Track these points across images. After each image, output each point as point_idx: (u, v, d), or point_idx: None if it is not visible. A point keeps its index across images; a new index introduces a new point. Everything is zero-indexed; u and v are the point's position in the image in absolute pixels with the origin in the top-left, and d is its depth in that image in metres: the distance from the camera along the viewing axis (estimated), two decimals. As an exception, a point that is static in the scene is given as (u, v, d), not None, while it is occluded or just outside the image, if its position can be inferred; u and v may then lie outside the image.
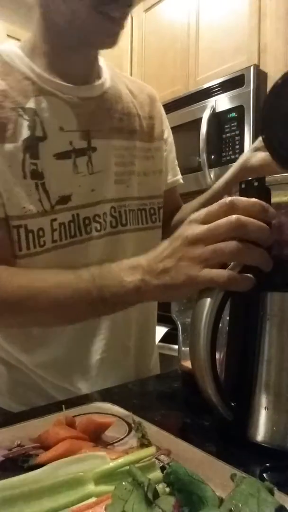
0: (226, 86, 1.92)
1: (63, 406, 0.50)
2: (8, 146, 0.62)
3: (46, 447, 0.41)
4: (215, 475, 0.36)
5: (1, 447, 0.41)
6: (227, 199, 0.45)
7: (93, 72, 0.73)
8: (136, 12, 2.43)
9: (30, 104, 0.64)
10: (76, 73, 0.69)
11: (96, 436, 0.44)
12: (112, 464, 0.34)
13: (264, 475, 0.38)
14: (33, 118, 0.64)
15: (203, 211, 0.47)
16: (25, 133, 0.63)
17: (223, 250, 0.44)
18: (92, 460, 0.36)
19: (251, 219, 0.43)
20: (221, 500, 0.31)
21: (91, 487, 0.33)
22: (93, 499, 0.32)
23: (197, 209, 0.47)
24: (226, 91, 1.92)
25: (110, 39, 0.64)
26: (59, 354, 0.71)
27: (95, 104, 0.71)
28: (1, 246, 0.63)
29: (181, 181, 0.90)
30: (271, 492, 0.31)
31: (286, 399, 0.44)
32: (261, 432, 0.44)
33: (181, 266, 0.47)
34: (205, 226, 0.46)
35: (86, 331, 0.72)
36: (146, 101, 0.81)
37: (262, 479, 0.32)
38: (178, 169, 0.89)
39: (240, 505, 0.29)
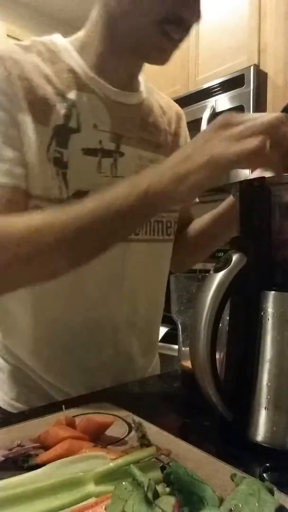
0: (226, 86, 1.92)
1: (63, 406, 0.50)
2: (42, 128, 0.63)
3: (46, 447, 0.41)
4: (215, 475, 0.37)
5: (1, 447, 0.41)
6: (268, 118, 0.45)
7: (135, 81, 0.75)
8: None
9: (71, 95, 0.66)
10: (120, 79, 0.70)
11: (96, 436, 0.44)
12: (112, 464, 0.34)
13: (264, 475, 0.38)
14: (70, 109, 0.65)
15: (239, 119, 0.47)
16: (58, 120, 0.64)
17: (257, 124, 0.45)
18: (92, 460, 0.36)
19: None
20: (221, 500, 0.31)
21: (91, 487, 0.33)
22: (93, 499, 0.32)
23: (208, 224, 0.46)
24: (226, 91, 1.92)
25: (163, 56, 0.66)
26: (62, 357, 0.71)
27: (130, 112, 0.73)
28: (12, 210, 0.60)
29: (197, 199, 0.90)
30: (271, 492, 0.31)
31: (286, 399, 0.44)
32: (261, 432, 0.44)
33: (205, 148, 0.47)
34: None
35: (89, 336, 0.72)
36: (173, 118, 0.83)
37: (262, 479, 0.32)
38: None
39: (240, 505, 0.29)
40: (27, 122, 0.61)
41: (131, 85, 0.74)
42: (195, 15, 0.61)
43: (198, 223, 0.89)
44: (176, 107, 0.87)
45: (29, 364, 0.72)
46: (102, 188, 0.62)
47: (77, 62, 0.68)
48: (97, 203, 0.53)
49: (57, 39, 0.70)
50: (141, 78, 0.78)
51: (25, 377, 0.73)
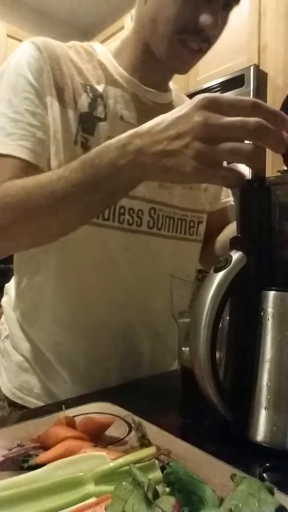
0: (226, 86, 1.92)
1: (63, 406, 0.50)
2: (70, 112, 0.66)
3: (46, 447, 0.41)
4: (215, 475, 0.37)
5: (1, 447, 0.41)
6: (250, 100, 0.44)
7: (165, 83, 0.78)
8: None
9: (100, 88, 0.69)
10: (151, 80, 0.73)
11: (96, 436, 0.44)
12: (112, 464, 0.34)
13: (264, 475, 0.38)
14: (96, 99, 0.68)
15: (221, 100, 0.45)
16: (85, 107, 0.67)
17: (247, 123, 0.43)
18: (92, 460, 0.36)
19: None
20: (221, 500, 0.31)
21: (91, 487, 0.33)
22: (93, 499, 0.32)
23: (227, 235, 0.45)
24: (226, 91, 1.92)
25: (182, 65, 0.70)
26: (74, 342, 0.72)
27: (158, 110, 0.71)
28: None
29: (233, 203, 0.90)
30: (271, 492, 0.31)
31: (286, 399, 0.44)
32: (261, 432, 0.44)
33: (188, 154, 0.45)
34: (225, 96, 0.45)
35: (101, 338, 0.73)
36: None
37: (262, 479, 0.32)
38: (229, 192, 0.90)
39: (240, 505, 0.29)
40: (55, 105, 0.65)
41: (161, 87, 0.76)
42: (213, 26, 0.63)
43: (229, 228, 0.87)
44: None
45: (46, 353, 0.73)
46: None
47: (111, 62, 0.72)
48: (83, 163, 0.54)
49: (96, 45, 0.75)
50: (171, 83, 0.80)
51: (31, 368, 0.74)
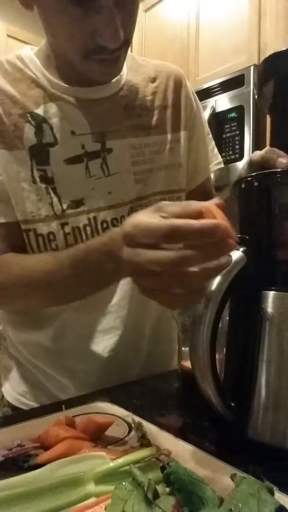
0: (226, 86, 1.92)
1: (63, 406, 0.50)
2: (17, 153, 0.63)
3: (46, 447, 0.41)
4: (215, 475, 0.37)
5: (1, 447, 0.41)
6: (167, 227, 0.38)
7: None
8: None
9: (39, 110, 0.65)
10: (87, 78, 0.67)
11: (96, 436, 0.44)
12: (112, 464, 0.34)
13: (264, 475, 0.38)
14: (40, 125, 0.64)
15: (139, 229, 0.39)
16: (32, 139, 0.64)
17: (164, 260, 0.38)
18: (92, 460, 0.36)
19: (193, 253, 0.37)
20: (221, 500, 0.31)
21: (91, 487, 0.33)
22: (93, 499, 0.32)
23: None
24: (226, 91, 1.93)
25: (104, 78, 0.66)
26: (67, 349, 0.71)
27: (108, 104, 0.70)
28: (14, 240, 0.66)
29: (215, 167, 0.84)
30: (271, 492, 0.31)
31: (286, 399, 0.44)
32: (261, 432, 0.44)
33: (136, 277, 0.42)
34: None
35: (95, 329, 0.72)
36: (170, 87, 0.76)
37: (262, 479, 0.32)
38: (215, 155, 0.84)
39: (240, 505, 0.29)
40: (0, 155, 0.63)
41: (105, 82, 0.69)
42: (115, 40, 0.57)
43: None
44: (175, 72, 0.79)
45: (41, 360, 0.73)
46: (98, 191, 0.66)
47: (43, 74, 0.67)
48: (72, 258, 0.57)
49: (24, 53, 0.69)
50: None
51: (32, 374, 0.74)
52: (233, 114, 1.89)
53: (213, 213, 0.39)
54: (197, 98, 0.82)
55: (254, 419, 0.45)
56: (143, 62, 0.78)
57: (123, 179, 0.69)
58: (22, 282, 0.63)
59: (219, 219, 0.39)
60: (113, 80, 0.70)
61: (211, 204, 0.40)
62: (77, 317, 0.70)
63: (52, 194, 0.65)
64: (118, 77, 0.71)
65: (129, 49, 0.67)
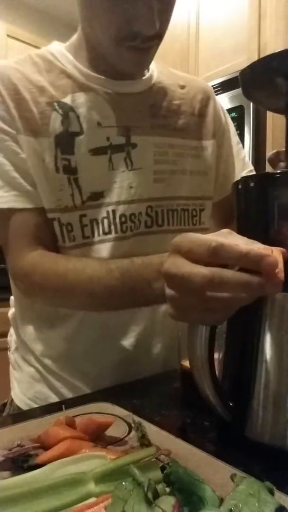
0: (226, 86, 1.92)
1: (63, 406, 0.50)
2: (43, 140, 0.64)
3: (46, 447, 0.41)
4: (215, 475, 0.37)
5: (1, 447, 0.41)
6: (213, 242, 0.37)
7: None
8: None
9: (67, 99, 0.66)
10: (118, 71, 0.68)
11: (96, 436, 0.44)
12: (112, 464, 0.34)
13: (264, 475, 0.38)
14: (67, 113, 0.65)
15: (187, 240, 0.39)
16: (58, 128, 0.65)
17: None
18: (92, 460, 0.36)
19: (229, 276, 0.36)
20: (221, 500, 0.31)
21: (91, 487, 0.33)
22: (93, 499, 0.32)
23: None
24: (226, 91, 1.92)
25: (135, 68, 0.68)
26: (80, 349, 0.71)
27: (136, 100, 0.71)
28: (42, 231, 0.66)
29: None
30: (271, 492, 0.31)
31: (285, 399, 0.44)
32: (260, 432, 0.44)
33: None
34: (180, 274, 0.38)
35: (109, 330, 0.72)
36: (198, 97, 0.79)
37: (262, 479, 0.32)
38: (246, 163, 0.86)
39: (240, 505, 0.29)
40: (26, 142, 0.64)
41: (133, 74, 0.71)
42: (151, 26, 0.60)
43: None
44: (204, 85, 0.83)
45: (52, 366, 0.72)
46: (119, 184, 0.67)
47: (73, 64, 0.69)
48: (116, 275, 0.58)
49: (54, 48, 0.71)
50: (153, 63, 0.75)
51: (44, 378, 0.73)
52: (233, 114, 1.89)
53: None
54: (226, 113, 0.86)
55: (253, 419, 0.45)
56: (173, 71, 0.82)
57: (144, 176, 0.70)
58: (65, 284, 0.62)
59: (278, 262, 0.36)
60: (143, 77, 0.72)
61: (276, 249, 0.39)
62: (92, 317, 0.70)
63: (74, 185, 0.65)
64: (149, 75, 0.73)
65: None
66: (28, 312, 0.75)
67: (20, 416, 0.65)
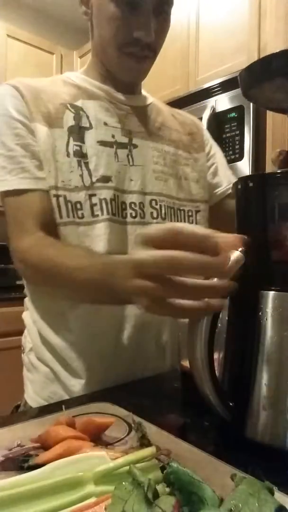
0: (226, 86, 1.92)
1: (63, 406, 0.50)
2: (56, 130, 0.72)
3: (46, 447, 0.41)
4: (215, 475, 0.37)
5: (1, 447, 0.41)
6: (175, 228, 0.44)
7: (136, 87, 0.83)
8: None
9: (78, 103, 0.76)
10: (122, 85, 0.79)
11: (96, 436, 0.44)
12: (112, 464, 0.34)
13: (264, 475, 0.38)
14: (79, 112, 0.75)
15: (151, 231, 0.46)
16: (70, 122, 0.73)
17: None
18: (92, 460, 0.36)
19: (188, 256, 0.41)
20: (221, 500, 0.31)
21: (91, 487, 0.33)
22: (93, 499, 0.32)
23: None
24: (226, 91, 1.92)
25: (132, 75, 0.78)
26: (83, 345, 0.73)
27: (137, 111, 0.81)
28: (46, 216, 0.70)
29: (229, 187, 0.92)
30: (271, 492, 0.31)
31: (284, 399, 0.44)
32: (260, 432, 0.44)
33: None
34: (150, 257, 0.44)
35: (113, 326, 0.73)
36: (187, 122, 0.91)
37: (262, 479, 0.32)
38: (230, 176, 0.93)
39: (240, 505, 0.29)
40: (41, 129, 0.70)
41: (133, 89, 0.82)
42: (146, 35, 0.70)
43: None
44: (194, 119, 0.95)
45: (69, 361, 0.73)
46: (122, 175, 0.75)
47: (84, 79, 0.79)
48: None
49: (67, 73, 0.83)
50: (146, 93, 0.86)
51: (58, 378, 0.74)
52: (233, 114, 1.89)
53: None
54: (215, 144, 0.95)
55: (253, 419, 0.45)
56: (164, 105, 0.92)
57: (145, 172, 0.78)
58: (55, 270, 0.63)
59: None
60: (143, 96, 0.84)
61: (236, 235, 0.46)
62: (88, 311, 0.71)
63: (84, 168, 0.72)
64: (147, 95, 0.85)
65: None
66: (40, 310, 0.76)
67: (20, 416, 0.65)
